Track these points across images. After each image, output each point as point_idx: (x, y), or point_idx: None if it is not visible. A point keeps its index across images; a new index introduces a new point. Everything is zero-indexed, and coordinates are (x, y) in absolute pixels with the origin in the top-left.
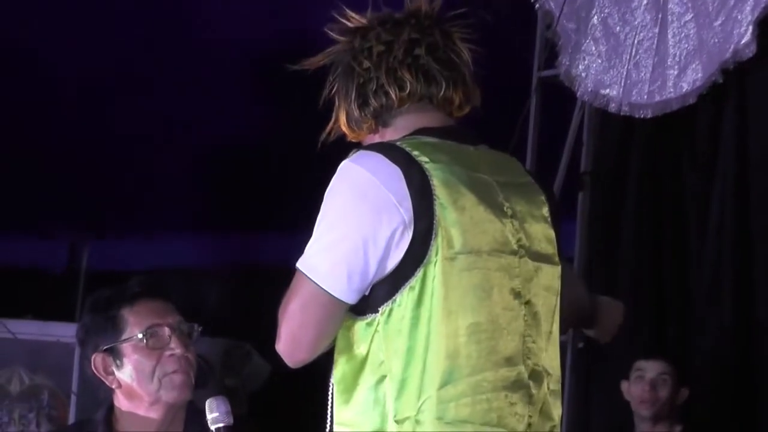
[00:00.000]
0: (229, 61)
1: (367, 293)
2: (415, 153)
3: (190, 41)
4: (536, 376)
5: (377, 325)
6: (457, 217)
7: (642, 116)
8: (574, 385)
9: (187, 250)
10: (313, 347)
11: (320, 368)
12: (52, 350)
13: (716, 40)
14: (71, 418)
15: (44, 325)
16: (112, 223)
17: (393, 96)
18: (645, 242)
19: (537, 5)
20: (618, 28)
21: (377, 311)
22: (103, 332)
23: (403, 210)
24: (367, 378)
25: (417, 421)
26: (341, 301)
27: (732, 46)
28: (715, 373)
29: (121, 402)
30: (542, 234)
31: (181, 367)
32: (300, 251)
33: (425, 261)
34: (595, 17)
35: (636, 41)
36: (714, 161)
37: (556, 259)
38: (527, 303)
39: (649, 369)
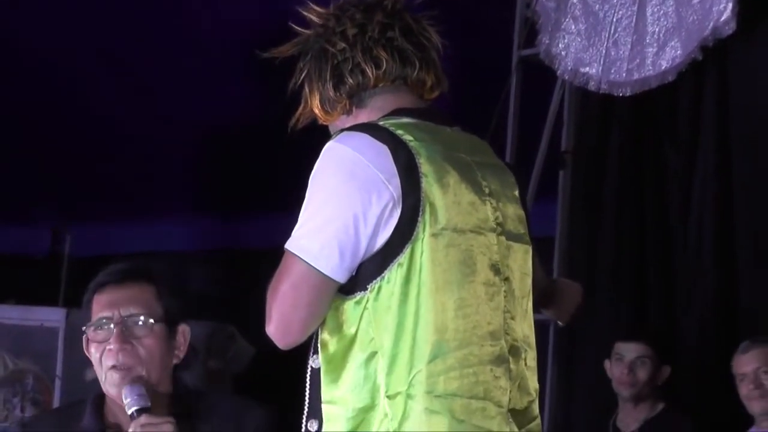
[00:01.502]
0: (215, 46)
1: (354, 272)
2: (399, 132)
3: (180, 24)
4: (515, 351)
5: (366, 303)
6: (442, 194)
7: (621, 94)
8: (557, 365)
9: (171, 234)
10: (304, 328)
11: (304, 349)
12: (36, 334)
13: (695, 18)
14: (56, 402)
15: (28, 310)
16: (95, 207)
17: (369, 73)
18: (626, 221)
19: None
20: (597, 6)
21: (366, 289)
22: (84, 316)
23: (392, 187)
24: (357, 356)
25: (408, 395)
26: (333, 280)
27: (711, 24)
28: (698, 351)
29: None
30: (515, 214)
31: (119, 362)
32: (285, 234)
33: (413, 237)
34: None
35: (615, 19)
36: (695, 139)
37: (527, 238)
38: (506, 280)
39: (628, 351)
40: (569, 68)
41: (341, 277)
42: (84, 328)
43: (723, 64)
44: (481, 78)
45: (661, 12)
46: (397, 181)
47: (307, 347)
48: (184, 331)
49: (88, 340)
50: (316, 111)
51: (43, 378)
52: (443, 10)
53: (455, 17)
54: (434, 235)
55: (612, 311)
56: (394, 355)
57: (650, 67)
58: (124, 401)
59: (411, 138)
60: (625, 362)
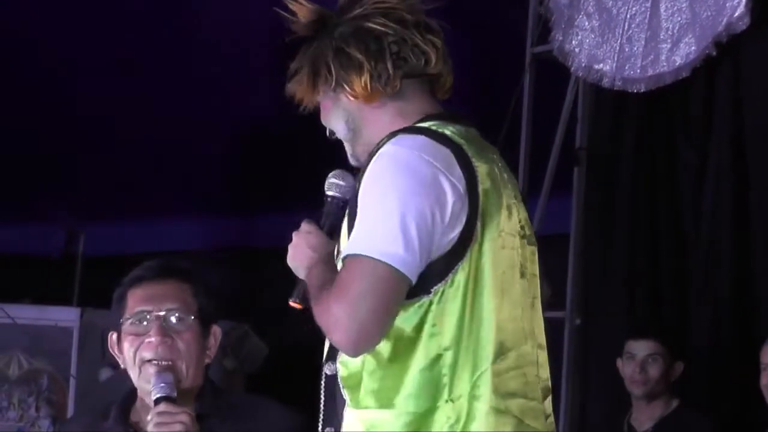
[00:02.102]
0: (226, 46)
1: None
2: (447, 133)
3: (190, 24)
4: (540, 349)
5: (429, 306)
6: (494, 197)
7: (635, 91)
8: (571, 363)
9: (184, 233)
10: (382, 334)
11: (315, 349)
12: (51, 334)
13: (709, 13)
14: (70, 402)
15: (43, 310)
16: (109, 207)
17: (432, 56)
18: (641, 217)
19: None
20: (611, 2)
21: (429, 292)
22: (115, 312)
23: (460, 188)
24: (419, 359)
25: (473, 396)
26: (409, 281)
27: (725, 19)
28: (713, 346)
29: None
30: (525, 215)
31: (157, 355)
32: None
33: (474, 239)
34: None
35: (629, 15)
36: (709, 134)
37: (534, 239)
38: (529, 282)
39: (639, 349)
40: (583, 65)
41: (415, 278)
42: (120, 321)
43: (737, 59)
44: (495, 75)
45: (675, 8)
46: (463, 182)
47: (312, 347)
48: (215, 331)
49: (119, 335)
50: (359, 90)
51: (58, 377)
52: (457, 9)
53: (469, 15)
54: (492, 239)
55: (627, 308)
56: (458, 357)
57: (664, 63)
58: (151, 389)
59: (462, 141)
60: (636, 360)
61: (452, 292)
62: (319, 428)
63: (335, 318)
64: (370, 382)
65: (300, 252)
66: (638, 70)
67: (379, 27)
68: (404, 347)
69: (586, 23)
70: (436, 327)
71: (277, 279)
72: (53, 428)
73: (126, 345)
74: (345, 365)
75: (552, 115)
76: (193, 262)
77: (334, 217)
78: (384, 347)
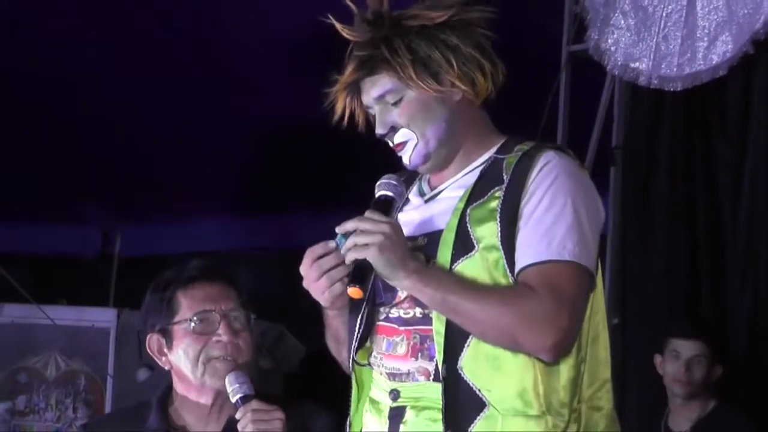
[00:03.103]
0: (257, 47)
1: None
2: None
3: (223, 26)
4: None
5: None
6: None
7: (672, 89)
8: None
9: (220, 234)
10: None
11: None
12: (88, 335)
13: (746, 11)
14: (107, 402)
15: (80, 311)
16: (145, 209)
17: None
18: (678, 216)
19: None
20: (646, 1)
21: None
22: (158, 313)
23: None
24: (570, 370)
25: (592, 407)
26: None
27: (763, 17)
28: (751, 346)
29: (176, 384)
30: None
31: (227, 353)
32: (330, 232)
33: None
34: None
35: (665, 14)
36: (745, 133)
37: None
38: None
39: (685, 349)
40: (619, 63)
41: None
42: (174, 321)
43: None
44: (531, 74)
45: (712, 6)
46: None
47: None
48: (252, 331)
49: (167, 337)
50: (481, 87)
51: (95, 378)
52: (496, 8)
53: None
54: (599, 265)
55: (665, 308)
56: (586, 368)
57: (701, 62)
58: (228, 388)
59: None
60: (682, 360)
61: (588, 309)
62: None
63: (556, 323)
64: (529, 387)
65: (399, 248)
66: (675, 69)
67: (482, 35)
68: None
69: (622, 22)
70: (580, 340)
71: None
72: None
73: (186, 343)
74: (474, 366)
75: (588, 114)
76: (228, 263)
77: (389, 215)
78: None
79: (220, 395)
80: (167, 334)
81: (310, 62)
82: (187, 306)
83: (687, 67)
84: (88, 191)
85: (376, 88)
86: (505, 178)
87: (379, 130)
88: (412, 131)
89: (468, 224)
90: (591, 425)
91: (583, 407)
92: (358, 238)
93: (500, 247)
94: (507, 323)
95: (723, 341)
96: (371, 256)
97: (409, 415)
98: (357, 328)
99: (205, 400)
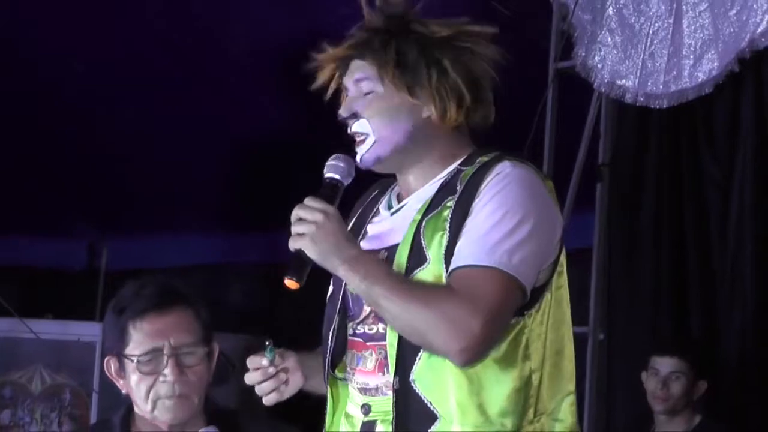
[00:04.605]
0: (247, 61)
1: None
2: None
3: (210, 40)
4: None
5: (523, 328)
6: None
7: (657, 106)
8: (595, 377)
9: (207, 248)
10: (495, 343)
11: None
12: (74, 349)
13: (732, 30)
14: (93, 417)
15: (65, 325)
16: (131, 222)
17: (492, 114)
18: (665, 233)
19: None
20: (633, 18)
21: (524, 315)
22: (113, 337)
23: (561, 220)
24: (515, 379)
25: (555, 419)
26: (525, 300)
27: (748, 35)
28: (739, 360)
29: (135, 404)
30: None
31: (174, 393)
32: None
33: (557, 269)
34: (610, 8)
35: (651, 31)
36: (733, 150)
37: None
38: None
39: (663, 366)
40: (606, 80)
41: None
42: (125, 353)
43: (759, 75)
44: (518, 91)
45: (698, 24)
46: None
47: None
48: (215, 348)
49: (120, 364)
50: (451, 115)
51: (81, 393)
52: (481, 24)
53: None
54: (561, 273)
55: (650, 322)
56: (542, 381)
57: (687, 79)
58: None
59: None
60: (660, 377)
61: (539, 317)
62: None
63: (467, 328)
64: (467, 400)
65: (333, 236)
66: (661, 86)
67: (483, 73)
68: (499, 366)
69: (609, 39)
70: (529, 350)
71: (299, 294)
72: None
73: (135, 380)
74: (425, 379)
75: (575, 130)
76: (214, 277)
77: (333, 200)
78: (482, 365)
79: (175, 426)
80: (121, 362)
81: (297, 79)
82: (137, 340)
83: (673, 84)
84: (75, 205)
85: (358, 72)
86: (458, 188)
87: (342, 112)
88: (371, 126)
89: (422, 236)
90: None
91: (544, 419)
92: (295, 227)
93: (443, 258)
94: (420, 322)
95: (711, 358)
96: (305, 246)
97: (379, 429)
98: (330, 342)
99: (162, 426)
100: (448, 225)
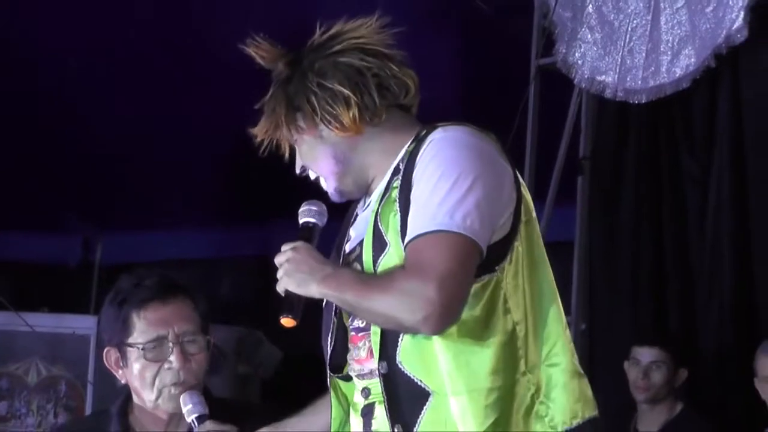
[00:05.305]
0: (238, 57)
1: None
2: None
3: (203, 36)
4: None
5: (498, 283)
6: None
7: (636, 101)
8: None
9: (200, 243)
10: (463, 309)
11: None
12: (69, 342)
13: (708, 26)
14: (88, 408)
15: (61, 318)
16: (125, 217)
17: (411, 85)
18: (644, 225)
19: None
20: (612, 16)
21: (494, 270)
22: (114, 328)
23: (511, 169)
24: (494, 338)
25: (550, 365)
26: (484, 256)
27: (724, 32)
28: (717, 350)
29: (134, 394)
30: None
31: (179, 380)
32: None
33: (522, 219)
34: (590, 6)
35: (630, 28)
36: (710, 143)
37: None
38: None
39: (643, 356)
40: (586, 76)
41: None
42: (128, 342)
43: (735, 70)
44: (501, 86)
45: (675, 21)
46: (508, 163)
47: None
48: (211, 338)
49: (122, 353)
50: (347, 123)
51: (76, 384)
52: (465, 22)
53: (476, 29)
54: (532, 217)
55: (631, 313)
56: (527, 329)
57: (665, 75)
58: (183, 408)
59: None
60: (641, 366)
61: (513, 269)
62: (389, 427)
63: (422, 296)
64: (455, 367)
65: (304, 264)
66: (639, 82)
67: (359, 61)
68: (480, 326)
69: (589, 36)
70: (508, 303)
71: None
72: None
73: (138, 367)
74: (411, 359)
75: (556, 125)
76: (208, 270)
77: (311, 240)
78: (461, 329)
79: (176, 414)
80: (122, 351)
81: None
82: (140, 329)
83: (651, 80)
84: (69, 200)
85: (286, 133)
86: (401, 167)
87: (297, 170)
88: (313, 171)
89: (379, 223)
90: (551, 384)
91: (538, 371)
92: (277, 273)
93: (400, 238)
94: (383, 308)
95: (691, 348)
96: (285, 284)
97: (378, 411)
98: (329, 346)
99: (162, 415)
100: (397, 204)
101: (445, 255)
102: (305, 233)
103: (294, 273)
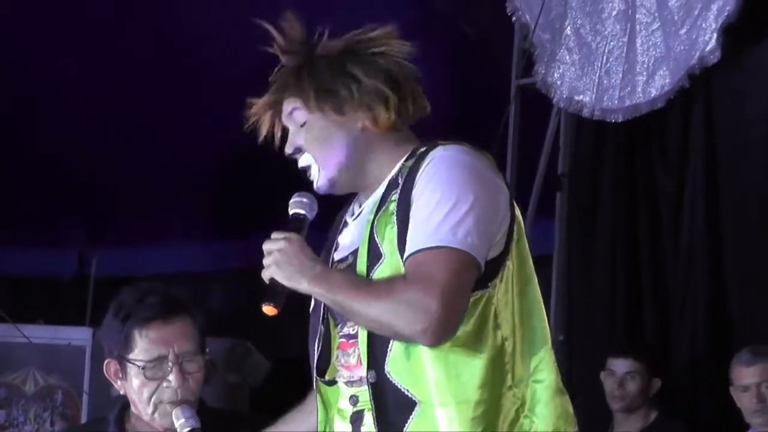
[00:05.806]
0: (228, 71)
1: None
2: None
3: (194, 52)
4: None
5: (487, 299)
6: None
7: (613, 120)
8: None
9: (191, 255)
10: (461, 320)
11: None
12: (65, 353)
13: (682, 48)
14: (84, 416)
15: (57, 330)
16: (119, 231)
17: (427, 110)
18: (621, 240)
19: (514, 18)
20: (590, 37)
21: (487, 287)
22: (116, 341)
23: (505, 187)
24: (488, 351)
25: (535, 380)
26: (481, 272)
27: (698, 53)
28: (691, 360)
29: (132, 404)
30: None
31: (177, 398)
32: None
33: (514, 238)
34: (569, 28)
35: (607, 50)
36: (684, 161)
37: None
38: None
39: (618, 366)
40: (564, 96)
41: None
42: (129, 357)
43: (708, 90)
44: (482, 106)
45: (650, 42)
46: (504, 182)
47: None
48: (207, 354)
49: (122, 367)
50: (382, 120)
51: (72, 393)
52: (448, 44)
53: (458, 50)
54: (523, 236)
55: (608, 325)
56: (515, 345)
57: (641, 95)
58: (176, 422)
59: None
60: (616, 377)
61: (503, 286)
62: None
63: (422, 308)
64: (445, 379)
65: (295, 258)
66: (616, 101)
67: (399, 69)
68: (471, 340)
69: (567, 57)
70: (498, 319)
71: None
72: None
73: (137, 383)
74: (400, 368)
75: (536, 143)
76: (200, 284)
77: (300, 231)
78: (453, 342)
79: (171, 429)
80: (122, 365)
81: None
82: (142, 347)
83: (627, 99)
84: (65, 214)
85: (288, 108)
86: (400, 181)
87: (288, 149)
88: (312, 156)
89: (375, 234)
90: (536, 399)
91: (523, 386)
92: (264, 259)
93: (397, 250)
94: (381, 314)
95: (664, 359)
96: (273, 273)
97: (367, 418)
98: (315, 351)
99: (158, 427)
100: (394, 218)
101: (446, 269)
102: (296, 224)
103: (284, 265)
